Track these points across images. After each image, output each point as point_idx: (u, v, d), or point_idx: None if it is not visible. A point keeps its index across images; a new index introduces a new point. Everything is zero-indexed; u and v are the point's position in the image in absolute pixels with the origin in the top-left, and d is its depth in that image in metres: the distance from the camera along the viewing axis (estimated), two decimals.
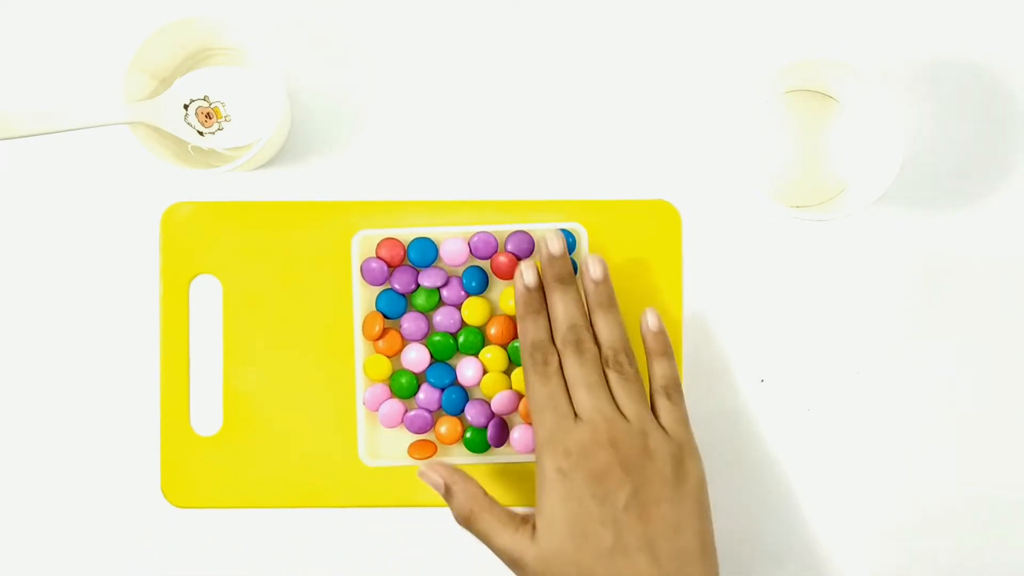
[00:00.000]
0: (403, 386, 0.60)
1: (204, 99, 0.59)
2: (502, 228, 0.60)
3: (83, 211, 0.62)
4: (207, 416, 0.62)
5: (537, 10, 0.62)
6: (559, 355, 0.56)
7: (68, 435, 0.62)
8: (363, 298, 0.61)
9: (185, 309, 0.62)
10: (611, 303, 0.57)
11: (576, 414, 0.54)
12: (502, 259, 0.60)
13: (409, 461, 0.60)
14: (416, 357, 0.60)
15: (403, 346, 0.61)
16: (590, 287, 0.57)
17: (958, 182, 0.62)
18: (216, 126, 0.59)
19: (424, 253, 0.60)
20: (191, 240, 0.62)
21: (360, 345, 0.61)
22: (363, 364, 0.60)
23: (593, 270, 0.57)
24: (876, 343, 0.62)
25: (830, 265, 0.62)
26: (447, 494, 0.55)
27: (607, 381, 0.55)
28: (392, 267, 0.60)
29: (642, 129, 0.62)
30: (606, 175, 0.62)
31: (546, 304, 0.57)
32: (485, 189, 0.62)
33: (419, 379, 0.61)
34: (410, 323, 0.60)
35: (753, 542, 0.62)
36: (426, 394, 0.60)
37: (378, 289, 0.61)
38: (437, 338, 0.60)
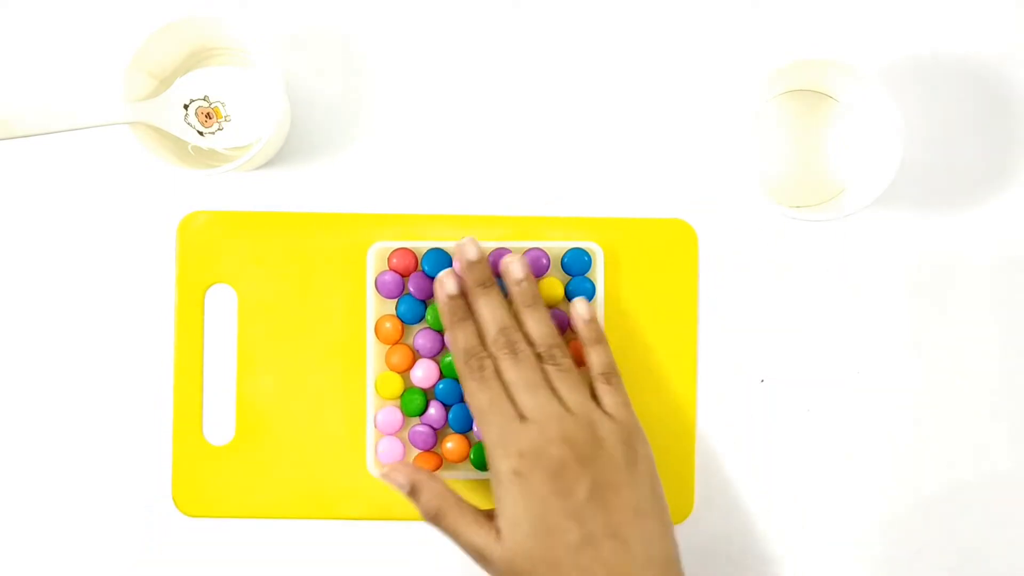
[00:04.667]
0: (413, 407, 0.60)
1: (204, 99, 0.59)
2: (518, 245, 0.60)
3: (100, 220, 0.62)
4: (220, 425, 0.62)
5: (554, 25, 0.62)
6: (494, 359, 0.56)
7: (81, 442, 0.62)
8: (377, 310, 0.60)
9: (200, 318, 0.62)
10: (535, 300, 0.57)
11: (521, 415, 0.54)
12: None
13: None
14: (423, 375, 0.60)
15: (415, 361, 0.61)
16: (513, 289, 0.57)
17: (957, 182, 0.62)
18: (216, 126, 0.59)
19: (438, 265, 0.60)
20: (207, 249, 0.62)
21: (372, 359, 0.60)
22: (375, 382, 0.60)
23: (514, 271, 0.57)
24: (876, 343, 0.62)
25: (830, 265, 0.62)
26: (412, 493, 0.55)
27: (546, 376, 0.56)
28: (406, 276, 0.60)
29: (658, 147, 0.62)
30: (623, 193, 0.62)
31: (471, 311, 0.57)
32: (500, 205, 0.62)
33: (428, 395, 0.61)
34: (424, 339, 0.60)
35: (753, 542, 0.62)
36: (435, 410, 0.60)
37: (392, 302, 0.61)
38: (449, 358, 0.60)
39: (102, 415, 0.62)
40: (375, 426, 0.60)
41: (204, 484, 0.61)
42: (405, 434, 0.61)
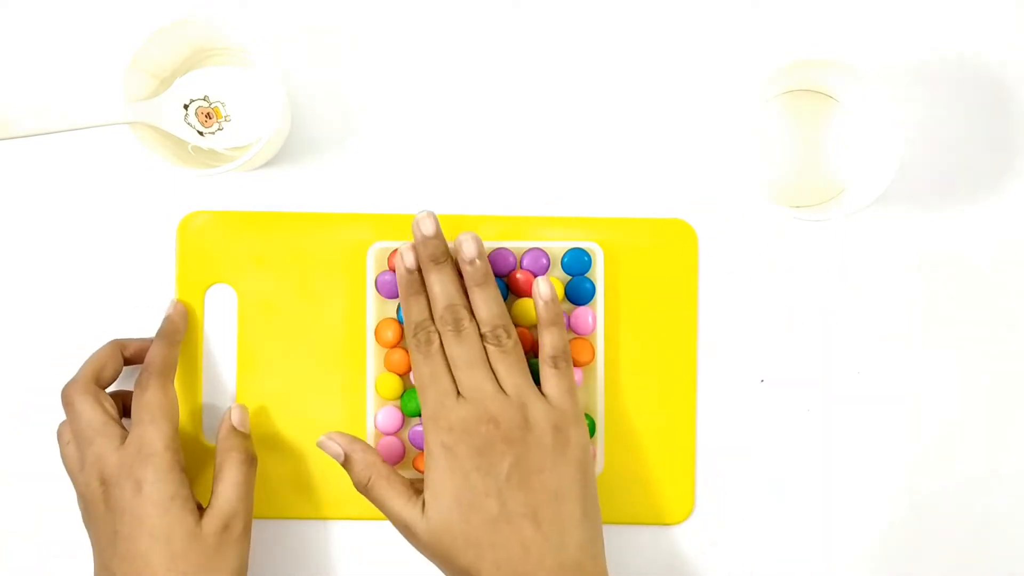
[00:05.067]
0: (413, 406, 0.60)
1: (204, 99, 0.59)
2: (518, 245, 0.60)
3: (100, 220, 0.62)
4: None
5: (554, 25, 0.62)
6: (440, 334, 0.57)
7: None
8: (377, 311, 0.61)
9: (200, 318, 0.62)
10: (486, 280, 0.57)
11: (458, 391, 0.56)
12: (519, 276, 0.60)
13: (416, 474, 0.60)
14: None
15: None
16: (465, 267, 0.57)
17: (957, 182, 0.62)
18: (216, 126, 0.59)
19: None
20: (207, 249, 0.62)
21: (372, 361, 0.60)
22: (375, 383, 0.60)
23: (466, 249, 0.57)
24: (876, 343, 0.62)
25: (830, 265, 0.62)
26: (346, 462, 0.57)
27: (488, 356, 0.56)
28: None
29: (658, 147, 0.62)
30: (623, 193, 0.62)
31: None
32: (500, 205, 0.62)
33: None
34: None
35: (753, 541, 0.62)
36: None
37: (392, 302, 0.61)
38: None
39: None
40: (375, 426, 0.60)
41: (203, 484, 0.61)
42: (405, 434, 0.61)
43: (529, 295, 0.60)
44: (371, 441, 0.60)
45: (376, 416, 0.60)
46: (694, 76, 0.62)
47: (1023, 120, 0.62)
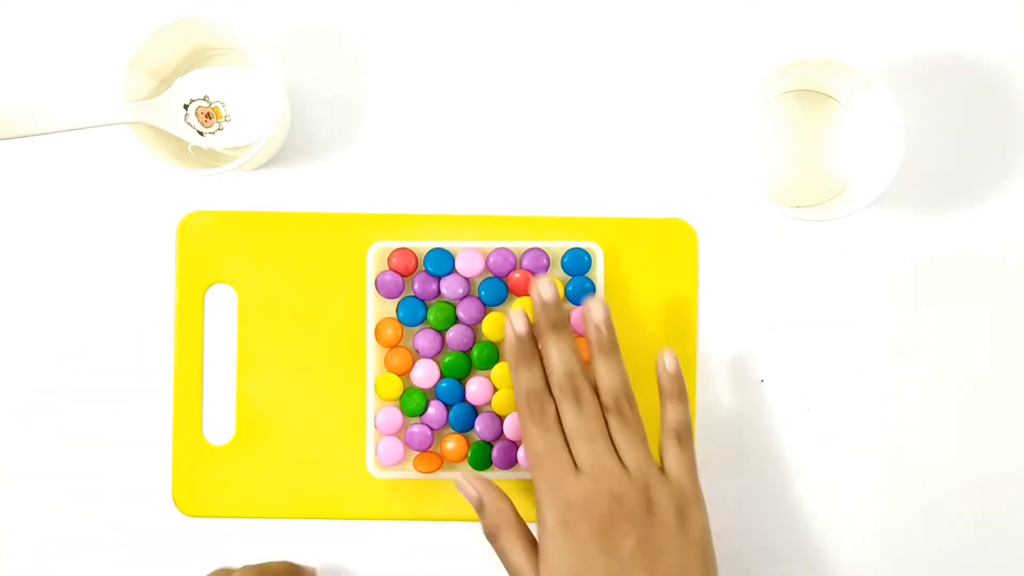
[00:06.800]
0: (413, 407, 0.60)
1: (204, 99, 0.59)
2: (518, 244, 0.60)
3: (100, 220, 0.62)
4: (220, 425, 0.62)
5: (554, 25, 0.62)
6: (556, 403, 0.55)
7: (81, 442, 0.62)
8: (377, 310, 0.61)
9: (200, 318, 0.62)
10: (612, 347, 0.56)
11: (576, 465, 0.54)
12: (517, 276, 0.60)
13: (415, 474, 0.60)
14: (423, 375, 0.60)
15: (414, 362, 0.61)
16: (591, 331, 0.56)
17: (958, 182, 0.62)
18: (216, 126, 0.59)
19: (441, 264, 0.60)
20: (207, 249, 0.62)
21: (372, 361, 0.60)
22: (375, 383, 0.60)
23: (596, 313, 0.56)
24: (876, 343, 0.62)
25: (830, 265, 0.62)
26: (479, 508, 0.55)
27: (608, 427, 0.55)
28: (406, 276, 0.60)
29: (658, 147, 0.62)
30: (623, 193, 0.62)
31: (539, 351, 0.56)
32: (500, 205, 0.62)
33: (429, 395, 0.61)
34: (423, 340, 0.60)
35: (753, 542, 0.62)
36: (435, 410, 0.60)
37: (391, 302, 0.61)
38: (449, 358, 0.60)
39: (102, 415, 0.62)
40: (375, 426, 0.60)
41: (204, 484, 0.61)
42: (404, 435, 0.61)
43: (527, 294, 0.60)
44: (371, 441, 0.60)
45: (376, 416, 0.60)
46: (694, 76, 0.62)
47: (1022, 120, 0.62)
